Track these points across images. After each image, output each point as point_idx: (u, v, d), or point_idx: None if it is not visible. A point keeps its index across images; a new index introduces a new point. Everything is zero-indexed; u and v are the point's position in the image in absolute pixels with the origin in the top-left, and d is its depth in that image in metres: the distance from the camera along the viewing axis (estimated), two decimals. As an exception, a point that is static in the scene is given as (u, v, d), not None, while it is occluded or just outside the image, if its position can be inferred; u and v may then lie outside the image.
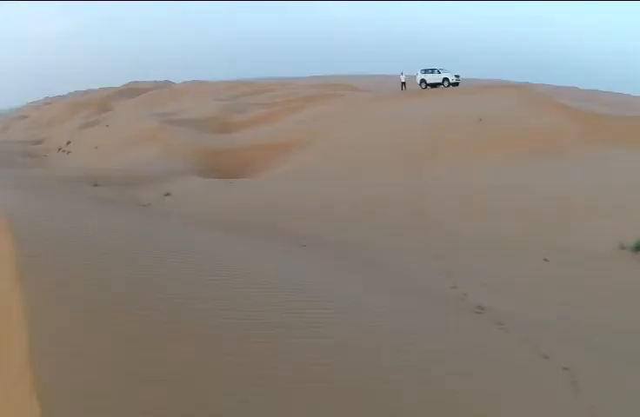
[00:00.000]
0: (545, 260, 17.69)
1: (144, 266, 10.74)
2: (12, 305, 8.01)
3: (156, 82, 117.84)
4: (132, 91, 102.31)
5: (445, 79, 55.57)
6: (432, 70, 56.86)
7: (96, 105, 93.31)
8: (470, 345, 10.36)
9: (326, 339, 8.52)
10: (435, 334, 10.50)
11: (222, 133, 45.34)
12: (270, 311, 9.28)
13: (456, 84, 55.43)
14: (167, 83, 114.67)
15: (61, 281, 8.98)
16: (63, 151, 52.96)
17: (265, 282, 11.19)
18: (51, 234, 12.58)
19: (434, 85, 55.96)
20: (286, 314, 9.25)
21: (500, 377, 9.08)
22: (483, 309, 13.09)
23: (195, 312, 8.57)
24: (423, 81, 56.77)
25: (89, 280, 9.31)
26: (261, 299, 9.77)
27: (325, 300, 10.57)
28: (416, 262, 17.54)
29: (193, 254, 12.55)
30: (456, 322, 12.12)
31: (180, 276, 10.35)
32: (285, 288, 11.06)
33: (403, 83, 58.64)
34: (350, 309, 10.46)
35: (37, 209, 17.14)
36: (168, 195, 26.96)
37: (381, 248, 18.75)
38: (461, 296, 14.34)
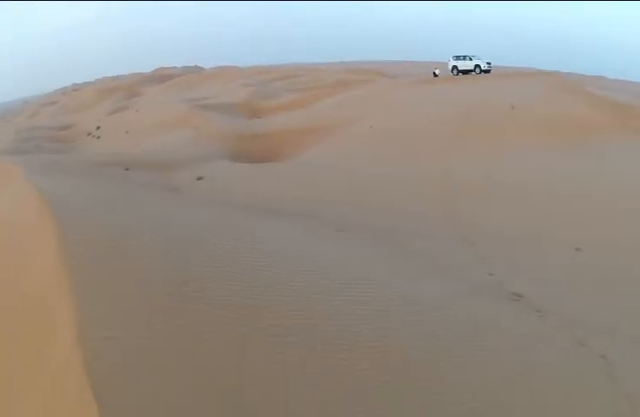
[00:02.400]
0: (577, 249, 17.37)
1: (190, 252, 10.62)
2: (57, 291, 8.08)
3: (185, 67, 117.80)
4: (161, 77, 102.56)
5: (477, 66, 55.39)
6: (464, 57, 56.70)
7: (125, 91, 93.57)
8: (511, 331, 10.36)
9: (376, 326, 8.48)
10: (478, 320, 10.43)
11: (252, 118, 45.40)
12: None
13: (487, 71, 55.07)
14: (196, 69, 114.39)
15: (107, 268, 9.01)
16: (93, 136, 53.18)
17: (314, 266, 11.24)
18: (95, 220, 12.56)
19: (465, 72, 55.61)
20: (337, 298, 9.22)
21: (541, 364, 9.00)
22: (521, 296, 12.99)
23: (244, 295, 8.53)
24: (454, 67, 56.60)
25: (136, 266, 9.34)
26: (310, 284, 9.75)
27: (377, 288, 10.46)
28: (452, 250, 17.32)
29: (241, 239, 12.47)
30: (497, 309, 12.01)
31: (229, 261, 10.26)
32: (334, 273, 10.99)
33: (435, 74, 58.13)
34: (398, 297, 10.32)
35: (76, 194, 17.17)
36: (200, 178, 26.88)
37: (415, 234, 18.45)
38: (497, 283, 14.13)
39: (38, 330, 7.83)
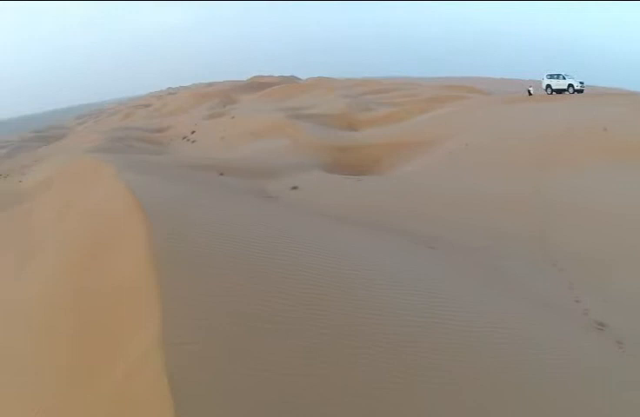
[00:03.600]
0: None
1: (276, 256, 10.85)
2: (144, 285, 8.44)
3: (281, 76, 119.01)
4: (257, 85, 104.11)
5: (570, 85, 54.32)
6: (557, 76, 55.74)
7: (221, 97, 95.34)
8: (589, 362, 10.19)
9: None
10: (557, 348, 10.31)
11: (347, 130, 45.45)
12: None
13: (580, 91, 53.99)
14: (292, 78, 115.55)
15: (194, 265, 9.33)
16: (188, 140, 54.30)
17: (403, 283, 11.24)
18: (184, 218, 13.00)
19: (559, 91, 54.72)
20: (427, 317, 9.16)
21: (615, 399, 8.85)
22: (604, 326, 12.87)
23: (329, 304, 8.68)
24: (548, 86, 55.70)
25: (223, 265, 9.62)
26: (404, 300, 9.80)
27: (462, 309, 10.39)
28: (539, 273, 17.14)
29: (331, 253, 12.43)
30: (579, 338, 11.84)
31: (318, 271, 10.32)
32: (421, 289, 11.01)
33: (530, 92, 57.32)
34: (488, 322, 10.19)
35: (168, 194, 17.62)
36: (295, 188, 26.92)
37: (503, 255, 18.29)
38: (583, 311, 13.98)
39: (120, 319, 8.28)
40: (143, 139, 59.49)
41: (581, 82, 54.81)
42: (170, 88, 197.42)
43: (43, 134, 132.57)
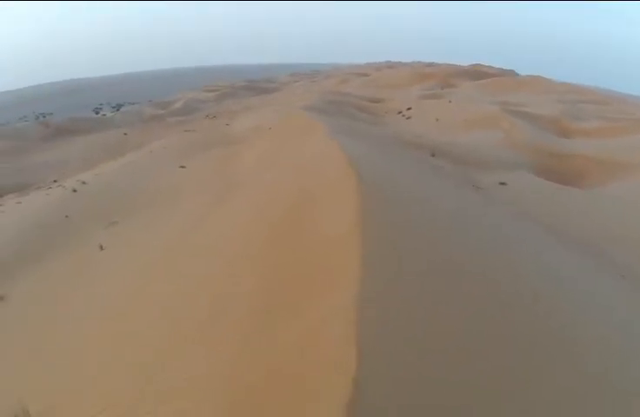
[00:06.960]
0: None
1: (473, 249, 10.96)
2: (347, 243, 8.78)
3: (500, 69, 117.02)
4: (476, 73, 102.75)
5: None
6: None
7: (439, 79, 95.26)
8: None
9: None
10: None
11: (557, 135, 44.52)
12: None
13: None
14: (511, 72, 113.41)
15: (397, 234, 9.64)
16: (403, 115, 55.30)
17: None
18: (394, 189, 13.59)
19: None
20: None
21: None
22: None
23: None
24: None
25: (418, 238, 9.93)
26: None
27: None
28: None
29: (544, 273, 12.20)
30: None
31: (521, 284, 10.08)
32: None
33: None
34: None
35: (380, 163, 18.17)
36: (503, 184, 27.38)
37: None
38: None
39: (318, 272, 8.59)
40: (358, 106, 60.83)
41: None
42: (388, 61, 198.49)
43: (256, 84, 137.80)
